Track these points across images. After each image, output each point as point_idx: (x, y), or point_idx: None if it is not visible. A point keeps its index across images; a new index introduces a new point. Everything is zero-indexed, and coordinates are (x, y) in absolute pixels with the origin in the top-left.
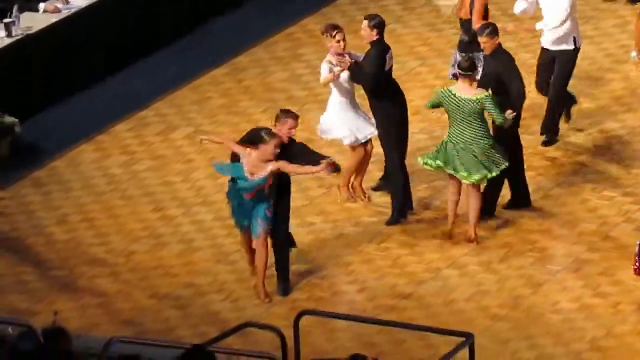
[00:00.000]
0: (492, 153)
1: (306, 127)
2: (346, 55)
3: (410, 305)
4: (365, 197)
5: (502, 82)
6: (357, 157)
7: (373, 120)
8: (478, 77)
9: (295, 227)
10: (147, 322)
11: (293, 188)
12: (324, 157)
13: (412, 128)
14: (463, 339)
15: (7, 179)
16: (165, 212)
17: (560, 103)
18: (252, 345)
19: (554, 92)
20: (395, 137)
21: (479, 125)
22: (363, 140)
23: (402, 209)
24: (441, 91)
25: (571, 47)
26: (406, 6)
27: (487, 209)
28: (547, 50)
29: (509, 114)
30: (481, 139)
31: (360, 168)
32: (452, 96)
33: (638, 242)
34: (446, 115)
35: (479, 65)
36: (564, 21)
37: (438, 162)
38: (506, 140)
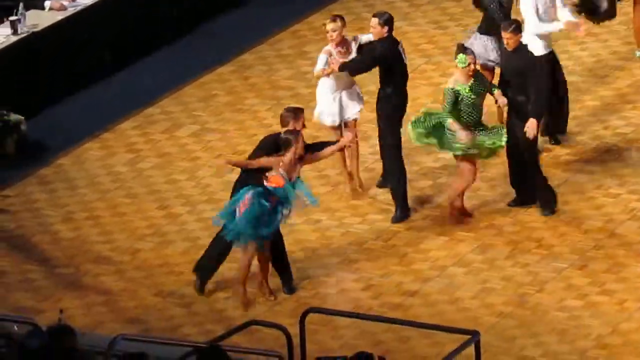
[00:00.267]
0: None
1: (312, 125)
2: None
3: (416, 302)
4: (360, 187)
5: (525, 78)
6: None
7: (356, 105)
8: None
9: (301, 224)
10: (152, 320)
11: None
12: (329, 143)
13: None
14: (469, 336)
15: (12, 176)
16: (171, 210)
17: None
18: (258, 343)
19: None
20: (398, 130)
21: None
22: (340, 121)
23: (404, 205)
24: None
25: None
26: (412, 3)
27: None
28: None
29: (531, 129)
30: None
31: (350, 153)
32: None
33: None
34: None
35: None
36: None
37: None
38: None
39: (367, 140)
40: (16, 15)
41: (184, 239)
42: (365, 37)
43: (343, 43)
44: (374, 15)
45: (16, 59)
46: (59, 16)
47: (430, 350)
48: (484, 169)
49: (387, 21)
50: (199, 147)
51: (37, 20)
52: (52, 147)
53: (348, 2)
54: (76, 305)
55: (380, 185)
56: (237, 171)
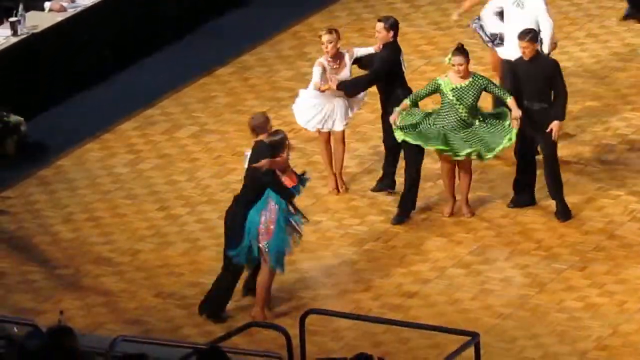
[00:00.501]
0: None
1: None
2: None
3: (416, 304)
4: (342, 187)
5: (545, 84)
6: (322, 144)
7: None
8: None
9: (301, 225)
10: (152, 321)
11: None
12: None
13: None
14: (469, 338)
15: (12, 177)
16: (171, 211)
17: None
18: (257, 345)
19: None
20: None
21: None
22: (324, 129)
23: (407, 208)
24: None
25: None
26: (412, 4)
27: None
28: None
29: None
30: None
31: (334, 157)
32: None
33: None
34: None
35: None
36: None
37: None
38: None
39: (367, 141)
40: (16, 16)
41: (184, 240)
42: (363, 50)
43: (337, 57)
44: (379, 20)
45: (16, 60)
46: (59, 17)
47: (430, 351)
48: (484, 170)
49: (393, 26)
50: (198, 148)
51: (37, 21)
52: (52, 148)
53: (348, 3)
54: (76, 306)
55: (375, 189)
56: (237, 171)
